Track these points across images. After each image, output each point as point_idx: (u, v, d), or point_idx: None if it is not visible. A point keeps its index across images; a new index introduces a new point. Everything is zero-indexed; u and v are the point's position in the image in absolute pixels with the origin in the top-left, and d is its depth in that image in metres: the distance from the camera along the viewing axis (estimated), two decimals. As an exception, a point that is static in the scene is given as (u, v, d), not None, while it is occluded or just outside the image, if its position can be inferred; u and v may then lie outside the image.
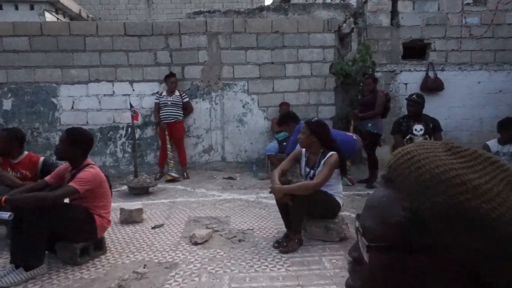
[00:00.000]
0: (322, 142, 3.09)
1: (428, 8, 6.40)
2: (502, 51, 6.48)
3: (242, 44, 6.15)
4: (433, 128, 4.30)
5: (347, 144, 4.14)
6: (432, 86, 6.38)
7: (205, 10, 6.62)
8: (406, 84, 6.49)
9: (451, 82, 6.47)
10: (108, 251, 2.94)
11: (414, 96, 4.35)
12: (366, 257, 0.54)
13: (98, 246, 2.89)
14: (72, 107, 5.98)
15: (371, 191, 4.94)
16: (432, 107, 5.93)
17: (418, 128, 4.26)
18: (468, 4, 6.37)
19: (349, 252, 0.62)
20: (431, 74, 6.44)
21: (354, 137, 4.48)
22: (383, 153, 6.08)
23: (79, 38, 5.91)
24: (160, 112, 5.72)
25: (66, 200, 2.78)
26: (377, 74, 6.03)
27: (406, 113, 6.10)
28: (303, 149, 3.23)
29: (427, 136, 4.28)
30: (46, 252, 2.63)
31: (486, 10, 6.40)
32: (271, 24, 6.18)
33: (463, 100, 6.54)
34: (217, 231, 3.37)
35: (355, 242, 0.64)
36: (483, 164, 0.50)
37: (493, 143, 4.44)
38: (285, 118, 4.71)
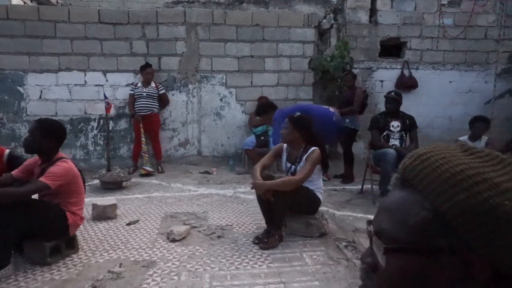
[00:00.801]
0: (304, 137, 3.07)
1: (406, 7, 6.52)
2: (473, 52, 6.70)
3: (222, 36, 6.02)
4: (409, 125, 4.39)
5: (325, 120, 4.05)
6: (407, 84, 6.52)
7: (184, 0, 6.43)
8: (382, 81, 6.61)
9: (425, 81, 6.63)
10: (80, 250, 2.80)
11: (392, 93, 4.42)
12: (382, 261, 0.52)
13: (70, 245, 2.74)
14: (40, 97, 5.67)
15: (347, 186, 5.01)
16: (406, 104, 5.98)
17: (395, 124, 4.34)
18: (443, 5, 6.54)
19: (362, 258, 0.61)
20: (406, 72, 6.58)
21: (330, 109, 4.50)
22: (358, 148, 6.18)
23: (49, 24, 5.59)
24: (135, 103, 5.53)
25: (35, 196, 2.61)
26: (355, 71, 6.09)
27: (382, 109, 6.22)
28: (285, 144, 3.21)
29: (403, 132, 4.36)
30: (13, 251, 2.47)
31: (460, 12, 6.59)
32: (251, 16, 6.09)
33: (435, 99, 6.73)
34: (195, 227, 3.29)
35: (367, 248, 0.61)
36: (501, 164, 0.49)
37: (464, 139, 4.61)
38: (266, 107, 4.79)
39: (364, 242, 3.07)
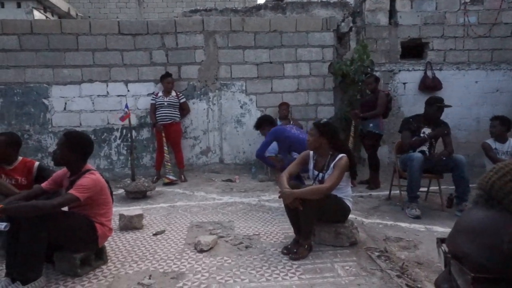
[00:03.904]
0: (331, 144, 3.00)
1: (426, 7, 6.37)
2: (499, 50, 6.48)
3: (240, 43, 6.03)
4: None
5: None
6: (431, 85, 6.35)
7: (201, 8, 6.47)
8: (404, 83, 6.45)
9: (449, 82, 6.45)
10: (109, 261, 2.80)
11: (444, 102, 4.27)
12: None
13: (99, 256, 2.74)
14: (65, 108, 5.78)
15: (373, 192, 4.88)
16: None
17: (427, 131, 4.18)
18: (465, 3, 6.36)
19: (438, 284, 0.54)
20: (429, 73, 6.41)
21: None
22: (383, 153, 6.05)
23: (71, 37, 5.71)
24: (156, 113, 5.57)
25: (65, 208, 2.63)
26: (376, 74, 5.97)
27: (405, 112, 6.10)
28: (311, 152, 3.14)
29: (433, 139, 4.20)
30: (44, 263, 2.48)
31: (483, 10, 6.40)
32: (269, 23, 6.07)
33: (460, 100, 6.52)
34: (222, 237, 3.25)
35: (443, 271, 0.55)
36: None
37: (491, 141, 4.43)
38: (259, 122, 4.85)
39: (397, 252, 2.97)
